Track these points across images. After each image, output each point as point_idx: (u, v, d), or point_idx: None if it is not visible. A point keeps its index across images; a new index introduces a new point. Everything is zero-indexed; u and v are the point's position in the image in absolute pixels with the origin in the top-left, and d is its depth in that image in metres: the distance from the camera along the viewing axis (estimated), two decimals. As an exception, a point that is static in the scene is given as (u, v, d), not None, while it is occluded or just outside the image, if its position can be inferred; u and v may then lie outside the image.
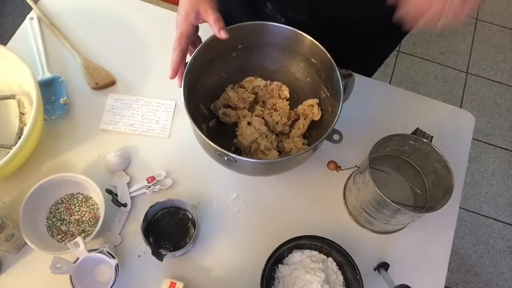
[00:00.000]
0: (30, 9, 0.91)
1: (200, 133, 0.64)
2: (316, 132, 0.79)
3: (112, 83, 0.87)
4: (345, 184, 0.81)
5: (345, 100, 0.72)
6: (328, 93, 0.75)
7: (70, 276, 0.65)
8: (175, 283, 0.68)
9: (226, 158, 0.64)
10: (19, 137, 0.71)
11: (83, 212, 0.75)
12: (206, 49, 0.69)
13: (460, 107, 1.62)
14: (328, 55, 0.69)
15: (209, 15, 0.65)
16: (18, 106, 0.80)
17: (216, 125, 0.81)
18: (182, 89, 0.67)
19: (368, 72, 0.99)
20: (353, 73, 0.71)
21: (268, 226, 0.77)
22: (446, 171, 0.69)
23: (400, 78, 1.98)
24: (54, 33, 0.90)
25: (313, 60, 0.74)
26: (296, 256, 0.72)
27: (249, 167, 0.73)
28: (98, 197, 0.74)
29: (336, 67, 0.69)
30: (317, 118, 0.78)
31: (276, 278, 0.71)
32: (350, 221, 0.79)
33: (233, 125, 0.80)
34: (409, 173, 0.79)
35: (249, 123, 0.77)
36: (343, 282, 0.71)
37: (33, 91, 0.72)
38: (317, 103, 0.78)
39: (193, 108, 0.70)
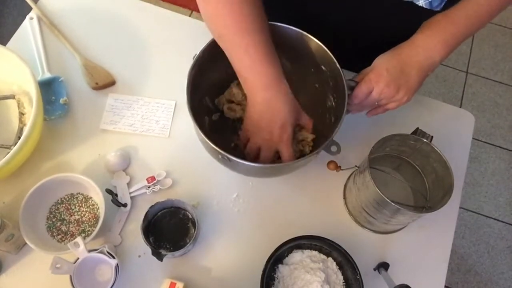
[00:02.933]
0: (30, 9, 0.91)
1: (198, 129, 0.63)
2: (316, 141, 0.77)
3: (112, 83, 0.87)
4: (345, 184, 0.81)
5: (349, 112, 0.71)
6: (334, 103, 0.74)
7: (70, 276, 0.65)
8: (175, 283, 0.68)
9: (220, 156, 0.64)
10: (19, 137, 0.71)
11: (83, 212, 0.75)
12: (214, 44, 0.69)
13: (460, 107, 1.62)
14: (337, 64, 0.68)
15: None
16: (18, 106, 0.80)
17: (219, 119, 0.80)
18: (187, 79, 0.66)
19: None
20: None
21: (268, 226, 0.77)
22: (446, 171, 0.69)
23: (400, 78, 1.98)
24: (54, 33, 0.90)
25: (322, 67, 0.73)
26: (296, 256, 0.72)
27: (243, 168, 0.72)
28: (98, 197, 0.74)
29: (344, 77, 0.67)
30: (306, 152, 0.75)
31: (276, 278, 0.71)
32: (350, 221, 0.79)
33: (235, 121, 0.79)
34: (409, 173, 0.79)
35: None
36: (343, 282, 0.71)
37: (33, 91, 0.72)
38: (312, 139, 0.75)
39: (196, 100, 0.69)
